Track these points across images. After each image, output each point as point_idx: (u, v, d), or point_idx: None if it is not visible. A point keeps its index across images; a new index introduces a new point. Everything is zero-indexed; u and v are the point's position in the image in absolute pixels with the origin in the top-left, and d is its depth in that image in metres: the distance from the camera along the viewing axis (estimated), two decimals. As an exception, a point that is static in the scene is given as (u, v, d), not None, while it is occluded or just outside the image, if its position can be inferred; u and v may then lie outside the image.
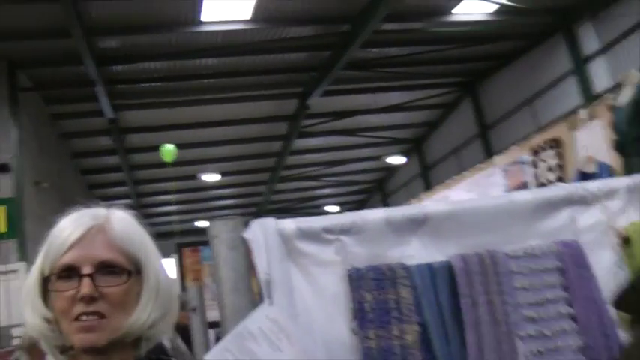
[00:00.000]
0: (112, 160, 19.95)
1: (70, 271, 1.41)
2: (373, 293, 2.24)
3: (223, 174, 22.94)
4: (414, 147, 23.53)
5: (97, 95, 14.47)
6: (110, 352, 1.41)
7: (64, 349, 1.43)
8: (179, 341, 5.99)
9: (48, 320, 1.44)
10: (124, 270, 1.43)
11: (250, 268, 2.30)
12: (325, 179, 25.74)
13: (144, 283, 1.47)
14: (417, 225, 2.38)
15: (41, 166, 15.29)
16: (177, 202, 21.82)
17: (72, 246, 1.43)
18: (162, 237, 18.62)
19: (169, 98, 16.36)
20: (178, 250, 8.23)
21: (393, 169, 26.07)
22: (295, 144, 19.94)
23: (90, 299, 1.38)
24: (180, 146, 16.23)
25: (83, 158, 20.41)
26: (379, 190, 28.21)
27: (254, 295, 2.33)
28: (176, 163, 16.77)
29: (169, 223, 22.83)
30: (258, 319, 2.14)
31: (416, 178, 24.08)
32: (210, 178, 23.03)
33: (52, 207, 14.58)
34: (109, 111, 15.53)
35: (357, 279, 2.24)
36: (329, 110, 18.65)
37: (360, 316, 2.21)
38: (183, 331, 6.14)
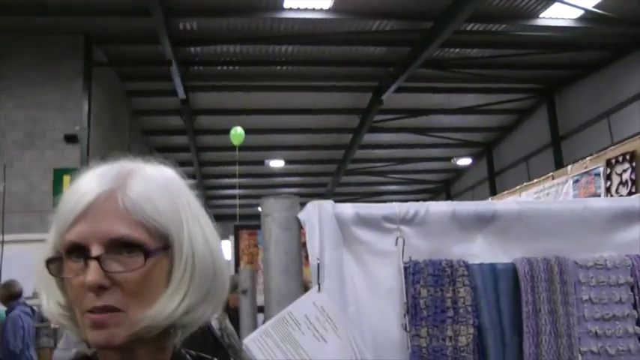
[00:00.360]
0: (181, 139, 20.21)
1: (80, 250, 1.10)
2: (430, 289, 2.10)
3: (290, 162, 23.02)
4: (484, 151, 23.17)
5: (171, 75, 14.62)
6: (135, 347, 1.13)
7: (83, 340, 1.14)
8: (227, 322, 5.96)
9: (63, 307, 1.17)
10: (143, 248, 1.10)
11: (304, 252, 2.19)
12: (392, 176, 25.57)
13: (175, 262, 1.15)
14: (483, 222, 2.23)
15: (112, 140, 15.57)
16: (241, 186, 21.99)
17: (78, 218, 1.11)
18: (224, 219, 18.79)
19: (242, 83, 16.44)
20: (235, 233, 8.20)
21: (460, 171, 25.76)
22: (365, 138, 19.81)
23: (99, 289, 1.08)
24: (248, 131, 16.31)
25: (153, 136, 20.72)
26: (445, 191, 27.91)
27: (306, 282, 2.21)
28: (243, 148, 16.85)
29: (232, 206, 22.99)
30: (305, 305, 2.03)
31: (482, 182, 23.74)
32: (277, 164, 23.13)
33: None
34: (181, 91, 15.70)
35: (414, 273, 2.10)
36: (402, 107, 18.49)
37: (413, 312, 2.08)
38: (234, 313, 6.11)
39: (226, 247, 8.96)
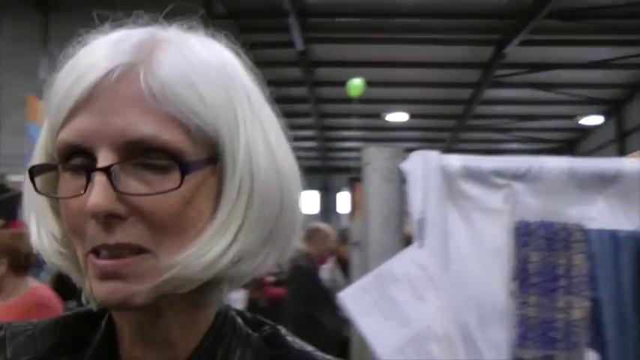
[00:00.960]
0: (299, 91, 20.29)
1: (82, 157, 0.71)
2: (541, 254, 1.92)
3: (409, 116, 22.74)
4: (612, 109, 22.00)
5: (289, 27, 14.62)
6: (160, 306, 0.74)
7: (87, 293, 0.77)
8: (338, 274, 5.91)
9: (59, 241, 0.77)
10: (179, 159, 0.70)
11: (405, 206, 2.07)
12: (513, 133, 24.79)
13: (225, 182, 0.74)
14: (605, 183, 2.01)
15: (232, 91, 15.89)
16: (359, 139, 21.96)
17: (77, 107, 0.70)
18: (343, 172, 18.80)
19: (362, 35, 16.24)
20: (351, 184, 8.18)
21: (586, 131, 24.65)
22: (486, 93, 19.23)
23: (108, 219, 0.68)
24: (368, 84, 16.14)
25: (273, 87, 20.90)
26: (568, 151, 26.81)
27: (407, 236, 2.09)
28: (362, 101, 16.73)
29: (349, 158, 22.92)
30: (405, 262, 1.91)
31: (610, 144, 22.59)
32: (395, 118, 22.90)
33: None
34: (299, 43, 15.69)
35: (524, 234, 1.93)
36: (525, 61, 17.74)
37: (523, 277, 1.91)
38: (344, 265, 6.06)
39: (345, 199, 8.95)
